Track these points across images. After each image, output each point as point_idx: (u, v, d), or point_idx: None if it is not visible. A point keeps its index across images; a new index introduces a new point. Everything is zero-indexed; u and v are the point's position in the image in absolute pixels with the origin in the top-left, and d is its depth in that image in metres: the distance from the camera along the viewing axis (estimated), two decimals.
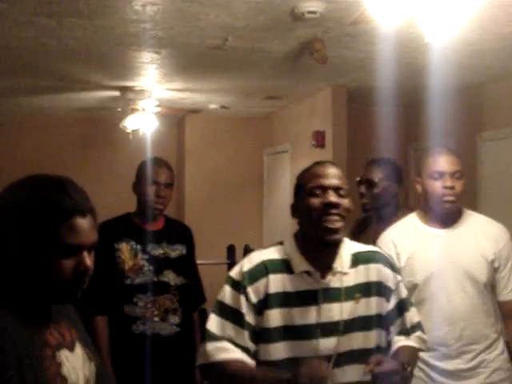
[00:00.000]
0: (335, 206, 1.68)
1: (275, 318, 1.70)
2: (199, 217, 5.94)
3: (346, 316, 1.73)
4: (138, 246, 2.70)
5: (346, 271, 1.75)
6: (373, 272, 1.80)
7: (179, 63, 4.29)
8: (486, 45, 3.72)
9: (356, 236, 2.84)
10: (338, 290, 1.74)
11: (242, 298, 1.71)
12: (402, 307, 1.85)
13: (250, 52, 3.93)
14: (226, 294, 1.74)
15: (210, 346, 1.70)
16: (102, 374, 1.45)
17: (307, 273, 1.73)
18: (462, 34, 3.30)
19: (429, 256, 2.39)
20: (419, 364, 2.36)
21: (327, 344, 1.71)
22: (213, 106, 6.26)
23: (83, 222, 1.27)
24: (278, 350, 1.70)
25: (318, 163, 1.81)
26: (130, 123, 5.58)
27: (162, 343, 2.68)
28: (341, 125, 5.31)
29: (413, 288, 2.37)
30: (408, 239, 2.44)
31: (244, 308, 1.70)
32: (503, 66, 4.34)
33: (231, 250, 5.53)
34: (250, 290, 1.71)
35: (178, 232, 2.87)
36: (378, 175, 3.02)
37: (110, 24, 3.29)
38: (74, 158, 6.87)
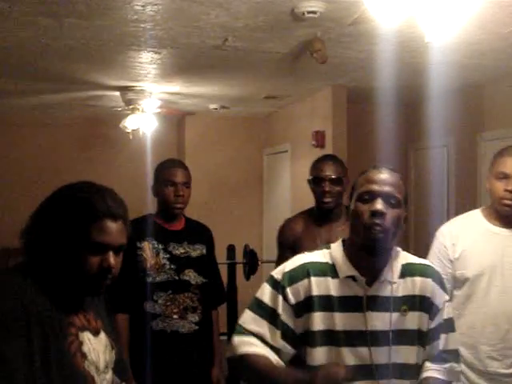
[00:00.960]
0: (380, 214, 1.61)
1: (317, 321, 1.66)
2: (199, 217, 5.95)
3: (392, 327, 1.67)
4: (160, 246, 2.77)
5: (394, 281, 1.69)
6: (422, 286, 1.73)
7: (179, 63, 4.29)
8: (486, 45, 3.72)
9: (310, 228, 2.86)
10: (385, 299, 1.68)
11: (280, 298, 1.68)
12: (444, 328, 1.76)
13: (250, 52, 3.93)
14: (265, 292, 1.72)
15: (237, 340, 1.70)
16: (121, 363, 1.59)
17: (352, 278, 1.68)
18: (462, 34, 3.31)
19: (484, 252, 2.37)
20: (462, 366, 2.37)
21: (378, 354, 1.66)
22: (213, 106, 6.26)
23: (113, 225, 1.43)
24: (321, 355, 1.66)
25: (374, 167, 1.74)
26: (129, 123, 5.58)
27: (181, 341, 2.74)
28: (341, 125, 5.31)
29: (464, 281, 2.36)
30: (466, 232, 2.42)
31: (281, 308, 1.68)
32: (503, 66, 4.34)
33: (231, 249, 5.53)
34: (288, 290, 1.68)
35: (199, 232, 2.94)
36: (338, 172, 2.93)
37: (109, 24, 3.29)
38: (74, 158, 6.88)
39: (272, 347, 1.67)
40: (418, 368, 1.71)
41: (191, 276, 2.79)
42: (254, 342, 1.68)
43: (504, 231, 2.40)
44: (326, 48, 3.49)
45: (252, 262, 5.01)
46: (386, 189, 1.65)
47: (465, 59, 4.12)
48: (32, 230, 1.43)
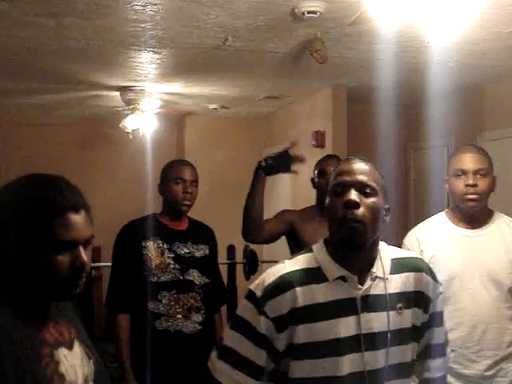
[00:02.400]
0: (355, 205, 1.50)
1: (303, 333, 1.52)
2: (199, 217, 5.95)
3: (390, 327, 1.55)
4: (165, 245, 2.78)
5: (386, 277, 1.58)
6: (416, 281, 1.62)
7: (179, 63, 4.29)
8: (486, 45, 3.72)
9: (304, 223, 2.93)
10: (380, 297, 1.56)
11: (262, 316, 1.53)
12: (439, 321, 1.69)
13: (250, 52, 3.93)
14: (245, 309, 1.57)
15: (219, 366, 1.57)
16: (101, 371, 1.45)
17: (343, 279, 1.55)
18: (462, 34, 3.30)
19: (453, 255, 2.36)
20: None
21: (373, 358, 1.54)
22: (213, 106, 6.26)
23: (77, 218, 1.29)
24: (308, 368, 1.52)
25: (346, 159, 1.65)
26: (129, 123, 5.58)
27: (184, 340, 2.74)
28: (341, 125, 5.31)
29: None
30: (433, 237, 2.42)
31: (263, 326, 1.52)
32: (503, 66, 4.34)
33: (231, 249, 5.53)
34: (270, 306, 1.53)
35: (202, 232, 2.97)
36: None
37: (110, 24, 3.29)
38: (73, 158, 6.87)
39: (258, 368, 1.55)
40: (412, 364, 1.63)
41: (195, 276, 2.80)
42: (237, 378, 1.54)
43: (470, 232, 2.40)
44: (326, 48, 3.48)
45: (252, 261, 5.02)
46: (359, 178, 1.54)
47: (465, 59, 4.11)
48: None
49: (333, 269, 1.55)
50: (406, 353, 1.60)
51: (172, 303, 2.72)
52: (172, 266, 2.75)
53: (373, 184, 1.55)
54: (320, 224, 2.91)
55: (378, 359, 1.54)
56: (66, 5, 2.96)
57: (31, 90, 5.35)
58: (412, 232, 2.51)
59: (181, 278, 2.76)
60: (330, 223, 1.57)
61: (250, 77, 4.85)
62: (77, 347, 1.37)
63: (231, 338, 1.58)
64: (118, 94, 5.32)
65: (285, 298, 1.53)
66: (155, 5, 2.96)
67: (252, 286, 1.59)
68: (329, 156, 3.18)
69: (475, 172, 2.35)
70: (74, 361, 1.33)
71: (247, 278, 4.96)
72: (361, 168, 1.57)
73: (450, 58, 4.02)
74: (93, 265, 6.02)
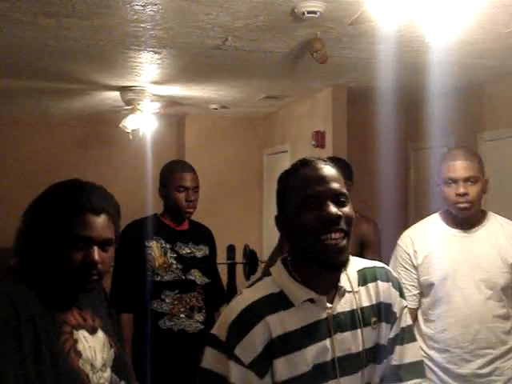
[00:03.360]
0: (337, 219, 1.31)
1: (283, 368, 1.30)
2: (199, 217, 5.97)
3: (366, 345, 1.38)
4: (167, 245, 2.81)
5: (356, 289, 1.40)
6: (384, 291, 1.45)
7: (179, 63, 4.29)
8: (486, 45, 3.72)
9: None
10: (352, 313, 1.38)
11: (232, 363, 1.28)
12: (399, 339, 1.47)
13: (250, 52, 3.93)
14: (211, 359, 1.31)
15: None
16: (121, 361, 1.56)
17: (311, 301, 1.36)
18: (461, 34, 3.31)
19: (446, 256, 2.37)
20: (432, 366, 2.36)
21: (351, 383, 1.36)
22: (213, 106, 6.26)
23: (95, 219, 1.43)
24: None
25: (305, 162, 1.40)
26: (129, 123, 5.58)
27: (187, 340, 2.77)
28: (341, 125, 5.31)
29: (429, 287, 2.37)
30: (427, 238, 2.43)
31: (238, 376, 1.27)
32: (503, 66, 4.35)
33: (231, 250, 5.54)
34: (241, 348, 1.28)
35: (202, 233, 2.99)
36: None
37: (109, 24, 3.29)
38: (74, 158, 6.88)
39: None
40: None
41: (196, 276, 2.82)
42: None
43: (463, 233, 2.41)
44: (326, 48, 3.49)
45: (252, 261, 5.02)
46: (333, 186, 1.34)
47: (465, 59, 4.12)
48: (21, 230, 1.46)
49: (298, 292, 1.35)
50: (376, 374, 1.41)
51: (175, 302, 2.75)
52: (175, 266, 2.77)
53: (345, 191, 1.36)
54: None
55: (362, 381, 1.38)
56: (65, 5, 2.96)
57: (31, 90, 5.36)
58: (406, 232, 2.53)
59: (183, 277, 2.78)
60: (300, 242, 1.35)
61: (250, 77, 4.85)
62: (100, 334, 1.50)
63: None
64: (118, 93, 5.33)
65: (256, 332, 1.29)
66: (155, 5, 2.97)
67: (213, 330, 1.35)
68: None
69: (465, 180, 2.33)
70: (94, 344, 1.46)
71: (247, 278, 4.96)
72: (331, 174, 1.36)
73: (449, 58, 4.02)
74: None
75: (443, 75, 4.31)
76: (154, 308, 2.73)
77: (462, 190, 2.32)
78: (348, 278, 1.41)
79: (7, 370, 1.24)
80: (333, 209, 1.31)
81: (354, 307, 1.39)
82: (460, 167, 2.35)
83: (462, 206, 2.34)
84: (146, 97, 5.27)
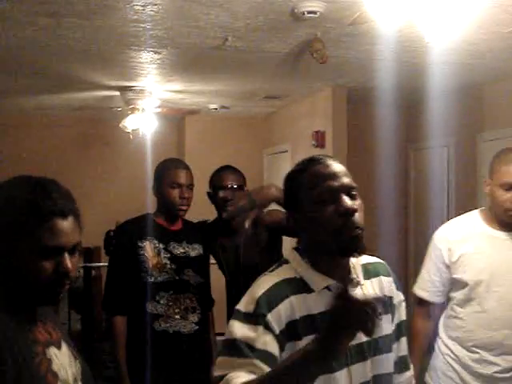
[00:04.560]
0: (353, 212, 1.37)
1: None
2: (199, 217, 5.97)
3: (374, 334, 1.36)
4: (161, 245, 2.76)
5: (362, 282, 1.47)
6: (386, 285, 1.53)
7: (179, 63, 4.29)
8: (486, 45, 3.72)
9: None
10: None
11: (263, 331, 1.31)
12: (400, 332, 1.56)
13: (250, 52, 3.93)
14: (238, 329, 1.34)
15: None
16: (86, 372, 1.45)
17: (327, 288, 1.41)
18: (462, 34, 3.30)
19: (484, 256, 2.33)
20: (453, 363, 2.35)
21: (361, 370, 1.41)
22: (213, 106, 6.26)
23: (63, 224, 1.27)
24: None
25: (315, 160, 1.46)
26: (129, 123, 5.58)
27: (183, 341, 2.73)
28: (341, 125, 5.31)
29: (462, 285, 2.34)
30: (464, 236, 2.38)
31: (268, 342, 1.31)
32: (503, 66, 4.34)
33: None
34: (270, 318, 1.33)
35: (196, 232, 2.94)
36: (240, 181, 2.88)
37: (109, 24, 3.29)
38: (73, 158, 6.88)
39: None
40: (392, 376, 1.51)
41: (190, 276, 2.78)
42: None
43: (503, 234, 2.36)
44: (326, 48, 3.49)
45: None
46: (345, 181, 1.41)
47: (465, 59, 4.12)
48: None
49: (317, 279, 1.41)
50: (389, 362, 1.48)
51: (170, 304, 2.71)
52: (168, 266, 2.73)
53: (355, 185, 1.43)
54: None
55: (365, 371, 1.42)
56: (65, 5, 2.96)
57: (31, 90, 5.36)
58: (443, 229, 2.46)
59: (176, 278, 2.74)
60: (318, 235, 1.40)
61: (250, 77, 4.85)
62: (64, 347, 1.38)
63: (224, 366, 1.32)
64: (118, 93, 5.33)
65: (282, 308, 1.35)
66: (155, 5, 2.97)
67: (238, 306, 1.38)
68: (224, 167, 3.00)
69: None
70: (63, 360, 1.34)
71: None
72: (341, 170, 1.43)
73: (449, 58, 4.02)
74: (93, 264, 6.03)
75: (443, 76, 4.31)
76: (149, 310, 2.68)
77: None
78: (355, 270, 1.47)
79: None
80: (348, 202, 1.37)
81: (362, 298, 1.41)
82: None
83: None
84: (145, 97, 5.27)
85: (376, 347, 1.44)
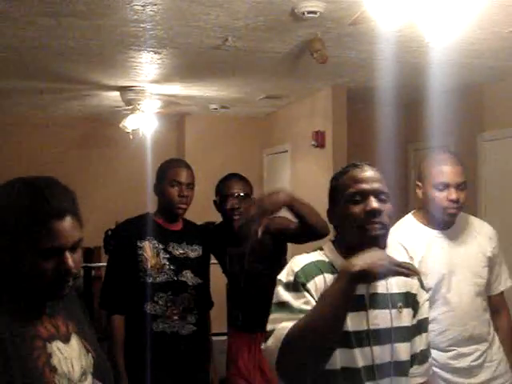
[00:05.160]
0: (378, 212, 1.59)
1: None
2: (199, 217, 5.98)
3: (393, 324, 1.64)
4: (160, 245, 2.75)
5: (387, 278, 1.64)
6: (409, 282, 1.71)
7: (179, 63, 4.29)
8: (485, 45, 3.72)
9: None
10: (383, 296, 1.65)
11: (305, 295, 1.55)
12: (424, 327, 1.75)
13: (250, 52, 3.93)
14: (283, 295, 1.58)
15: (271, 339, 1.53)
16: (100, 365, 1.47)
17: None
18: (461, 34, 3.31)
19: (438, 258, 2.37)
20: (434, 368, 2.38)
21: (380, 352, 1.61)
22: (213, 106, 6.26)
23: (61, 224, 1.29)
24: (337, 358, 1.55)
25: (355, 165, 1.70)
26: (129, 123, 5.58)
27: (181, 342, 2.73)
28: (341, 125, 5.31)
29: (427, 291, 2.36)
30: (415, 242, 2.41)
31: (309, 301, 1.54)
32: (503, 66, 4.35)
33: None
34: (309, 286, 1.57)
35: (196, 233, 2.93)
36: (246, 189, 2.94)
37: (109, 24, 3.29)
38: (74, 158, 6.88)
39: None
40: (409, 364, 1.70)
41: (188, 277, 2.77)
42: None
43: (444, 233, 2.41)
44: (326, 48, 3.49)
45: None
46: (376, 185, 1.63)
47: (465, 59, 4.12)
48: None
49: None
50: (406, 351, 1.67)
51: (169, 304, 2.70)
52: (167, 267, 2.72)
53: (386, 191, 1.65)
54: None
55: (384, 354, 1.62)
56: (65, 5, 2.96)
57: (31, 90, 5.36)
58: (394, 240, 2.45)
59: (175, 278, 2.73)
60: (348, 230, 1.63)
61: (250, 77, 4.85)
62: (74, 341, 1.40)
63: (276, 317, 1.55)
64: (118, 93, 5.33)
65: (318, 281, 1.58)
66: (155, 5, 2.97)
67: (280, 276, 1.62)
68: (231, 176, 3.08)
69: (457, 186, 2.36)
70: (70, 354, 1.36)
71: None
72: (375, 176, 1.66)
73: (449, 58, 4.02)
74: (93, 265, 6.03)
75: (443, 75, 4.31)
76: (148, 310, 2.67)
77: (454, 196, 2.33)
78: None
79: None
80: (375, 204, 1.59)
81: (386, 292, 1.65)
82: (452, 173, 2.36)
83: (452, 211, 2.36)
84: (145, 97, 5.28)
85: (396, 335, 1.64)
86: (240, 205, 2.84)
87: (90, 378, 1.41)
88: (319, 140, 5.41)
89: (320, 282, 1.58)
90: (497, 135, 4.85)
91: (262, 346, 1.58)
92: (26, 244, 1.27)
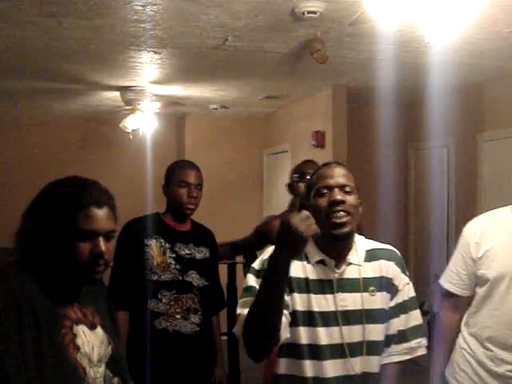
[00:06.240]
0: (340, 202, 1.79)
1: (297, 301, 1.79)
2: (199, 217, 5.99)
3: (364, 306, 1.82)
4: (167, 245, 2.78)
5: (360, 264, 1.86)
6: (385, 268, 1.89)
7: (179, 63, 4.29)
8: (485, 45, 3.72)
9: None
10: (354, 280, 1.84)
11: None
12: (404, 308, 1.91)
13: (250, 52, 3.93)
14: (252, 280, 1.82)
15: (237, 326, 1.76)
16: (117, 358, 1.61)
17: (322, 263, 1.84)
18: (461, 34, 3.31)
19: (508, 253, 2.29)
20: (469, 358, 2.36)
21: (349, 332, 1.80)
22: (213, 106, 6.26)
23: (98, 212, 1.49)
24: (302, 335, 1.78)
25: (324, 164, 1.92)
26: (129, 123, 5.58)
27: (182, 341, 2.75)
28: (341, 125, 5.31)
29: (484, 282, 2.31)
30: (492, 231, 2.34)
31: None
32: (503, 66, 4.35)
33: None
34: None
35: (203, 235, 2.96)
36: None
37: (109, 24, 3.29)
38: (74, 158, 6.87)
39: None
40: (382, 344, 1.87)
41: (194, 278, 2.79)
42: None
43: None
44: (326, 48, 3.49)
45: (252, 261, 5.00)
46: (340, 180, 1.84)
47: (465, 59, 4.12)
48: (23, 228, 1.51)
49: (314, 253, 1.85)
50: (379, 332, 1.85)
51: (172, 303, 2.73)
52: (173, 266, 2.75)
53: (351, 184, 1.85)
54: None
55: (354, 333, 1.81)
56: (65, 5, 2.96)
57: (31, 90, 5.36)
58: (473, 222, 2.43)
59: (180, 278, 2.76)
60: (317, 219, 1.72)
61: (250, 77, 4.85)
62: (99, 330, 1.56)
63: (243, 300, 1.77)
64: (118, 93, 5.33)
65: None
66: (155, 5, 2.97)
67: (253, 264, 1.88)
68: (307, 161, 3.37)
69: None
70: (92, 339, 1.52)
71: None
72: (340, 171, 1.86)
73: (449, 58, 4.02)
74: None
75: (443, 75, 4.30)
76: (151, 308, 2.70)
77: None
78: (357, 254, 1.87)
79: (9, 361, 1.29)
80: (338, 195, 1.80)
81: (358, 276, 1.84)
82: None
83: None
84: (146, 97, 5.27)
85: (368, 316, 1.82)
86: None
87: (103, 366, 1.54)
88: (319, 140, 5.41)
89: None
90: (497, 135, 4.85)
91: (233, 331, 1.80)
92: (66, 226, 1.44)
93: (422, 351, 1.94)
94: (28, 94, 5.56)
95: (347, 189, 1.83)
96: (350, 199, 1.82)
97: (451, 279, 2.43)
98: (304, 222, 1.56)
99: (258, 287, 1.72)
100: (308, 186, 1.93)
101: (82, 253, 1.45)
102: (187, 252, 2.81)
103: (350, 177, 1.87)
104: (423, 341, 1.94)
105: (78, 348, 1.46)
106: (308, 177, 3.07)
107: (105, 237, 1.49)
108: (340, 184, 1.83)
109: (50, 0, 2.90)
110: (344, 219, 1.79)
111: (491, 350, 2.31)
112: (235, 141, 7.10)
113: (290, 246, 1.58)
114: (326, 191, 1.83)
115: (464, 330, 2.42)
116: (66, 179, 1.57)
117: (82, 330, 1.49)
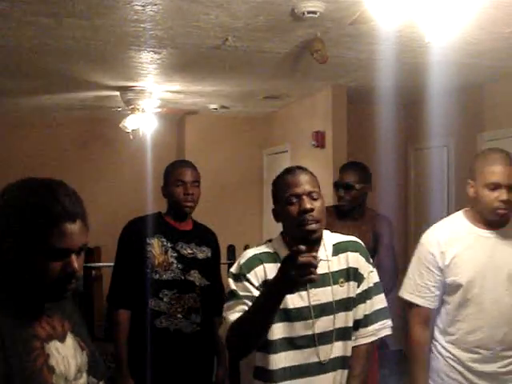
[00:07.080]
0: (310, 211, 1.90)
1: None
2: (199, 217, 5.99)
3: (334, 298, 1.96)
4: (169, 244, 2.80)
5: (329, 259, 1.99)
6: (352, 259, 2.03)
7: (179, 63, 4.29)
8: (485, 45, 3.72)
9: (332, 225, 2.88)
10: (325, 275, 1.95)
11: (246, 284, 1.90)
12: (369, 294, 2.05)
13: (250, 52, 3.93)
14: (232, 284, 1.93)
15: (223, 326, 1.89)
16: (95, 362, 1.51)
17: None
18: (461, 34, 3.31)
19: (475, 257, 2.34)
20: (455, 365, 2.37)
21: (321, 323, 1.94)
22: (213, 106, 6.26)
23: (72, 227, 1.34)
24: (277, 331, 1.90)
25: (288, 171, 2.00)
26: (129, 123, 5.58)
27: (183, 340, 2.76)
28: (341, 125, 5.31)
29: (456, 288, 2.34)
30: (454, 238, 2.38)
31: (252, 290, 1.89)
32: (503, 66, 4.35)
33: (231, 249, 5.54)
34: (249, 276, 1.91)
35: (205, 235, 2.97)
36: (354, 179, 3.40)
37: (109, 24, 3.29)
38: (74, 158, 6.88)
39: None
40: (352, 329, 2.02)
41: (196, 277, 2.81)
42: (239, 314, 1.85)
43: (490, 233, 2.37)
44: (326, 48, 3.49)
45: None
46: (307, 187, 1.94)
47: (465, 59, 4.12)
48: None
49: (285, 254, 1.87)
50: (348, 318, 2.00)
51: (173, 302, 2.74)
52: (175, 266, 2.76)
53: (317, 190, 1.96)
54: (342, 224, 3.29)
55: (326, 323, 1.95)
56: (65, 5, 2.96)
57: (31, 90, 5.36)
58: (431, 233, 2.46)
59: (182, 277, 2.77)
60: (288, 226, 1.97)
61: (250, 77, 4.85)
62: (69, 339, 1.44)
63: (230, 307, 1.88)
64: (118, 94, 5.33)
65: (258, 271, 1.93)
66: (155, 5, 2.97)
67: (231, 269, 1.98)
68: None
69: (509, 187, 2.29)
70: (66, 352, 1.40)
71: None
72: (305, 178, 1.96)
73: (449, 58, 4.02)
74: (93, 265, 6.04)
75: (443, 75, 4.30)
76: (152, 306, 2.72)
77: (505, 197, 2.28)
78: (325, 249, 2.00)
79: None
80: (307, 204, 1.91)
81: (327, 271, 1.97)
82: (505, 173, 2.29)
83: (502, 212, 2.31)
84: (145, 97, 5.27)
85: (338, 306, 1.97)
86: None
87: (85, 375, 1.45)
88: (319, 140, 5.41)
89: (260, 272, 1.92)
90: (497, 135, 4.85)
91: (218, 331, 1.94)
92: (36, 243, 1.30)
93: (387, 331, 2.08)
94: (27, 94, 5.56)
95: (314, 195, 1.94)
96: (318, 205, 1.93)
97: (420, 293, 2.41)
98: (304, 269, 1.59)
99: (238, 290, 1.89)
100: (274, 191, 2.03)
101: (53, 272, 1.32)
102: (189, 251, 2.82)
103: (314, 181, 1.98)
104: (388, 322, 2.08)
105: (52, 370, 1.33)
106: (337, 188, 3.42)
107: (76, 252, 1.36)
108: (307, 191, 1.93)
109: (51, 0, 2.90)
110: (314, 226, 1.91)
111: (479, 353, 2.32)
112: (235, 141, 7.10)
113: (290, 285, 1.66)
114: (294, 200, 1.92)
115: (441, 340, 2.41)
116: (29, 183, 1.39)
117: (54, 348, 1.37)
